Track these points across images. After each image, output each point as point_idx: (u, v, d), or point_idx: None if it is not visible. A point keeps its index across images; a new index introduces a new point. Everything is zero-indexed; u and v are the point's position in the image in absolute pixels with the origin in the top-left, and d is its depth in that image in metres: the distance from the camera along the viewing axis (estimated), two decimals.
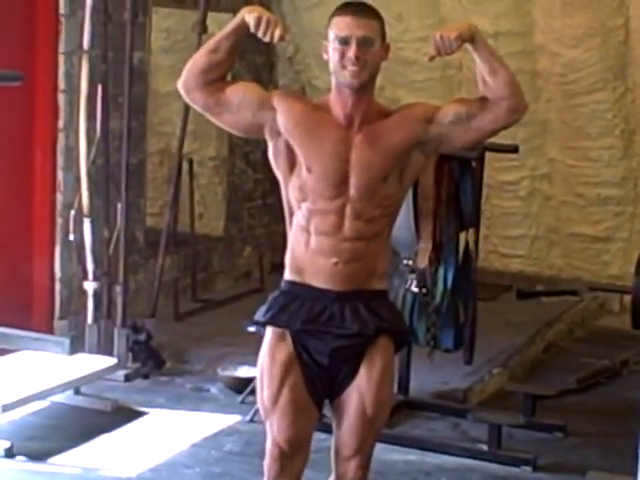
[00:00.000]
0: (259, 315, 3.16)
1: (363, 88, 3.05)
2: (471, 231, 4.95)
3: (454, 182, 4.86)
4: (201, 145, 7.28)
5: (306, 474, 4.22)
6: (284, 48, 7.60)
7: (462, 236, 4.96)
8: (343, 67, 3.03)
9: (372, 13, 3.07)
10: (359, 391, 3.11)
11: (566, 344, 6.64)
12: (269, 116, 3.08)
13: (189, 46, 6.27)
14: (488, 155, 5.03)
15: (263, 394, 3.13)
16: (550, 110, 7.11)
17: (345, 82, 3.04)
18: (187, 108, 6.10)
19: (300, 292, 3.11)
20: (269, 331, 3.14)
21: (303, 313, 3.09)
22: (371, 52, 3.03)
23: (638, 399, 5.36)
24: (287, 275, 3.15)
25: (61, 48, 5.64)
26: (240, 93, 3.12)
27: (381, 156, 3.07)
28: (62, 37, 5.62)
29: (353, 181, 3.05)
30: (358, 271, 3.08)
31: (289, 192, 3.10)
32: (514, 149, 5.27)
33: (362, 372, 3.11)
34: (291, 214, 3.12)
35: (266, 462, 3.17)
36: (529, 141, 7.10)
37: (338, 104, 3.07)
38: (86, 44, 5.54)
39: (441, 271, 4.83)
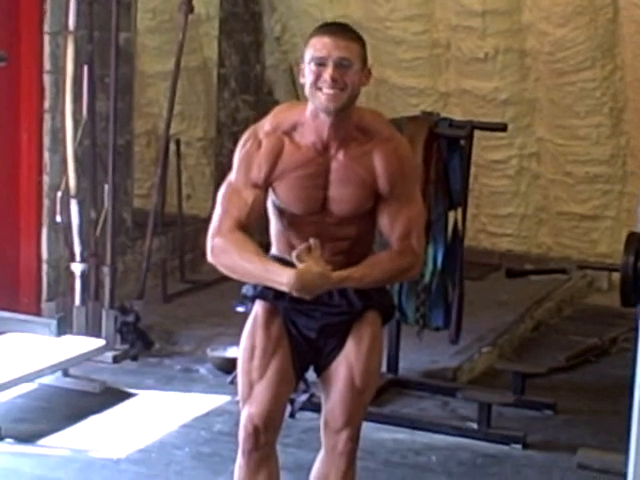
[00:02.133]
0: (248, 290, 3.15)
1: (340, 113, 2.93)
2: (460, 210, 4.94)
3: (443, 161, 4.85)
4: (188, 126, 7.26)
5: (296, 454, 4.25)
6: (272, 28, 7.56)
7: (451, 215, 4.96)
8: (318, 89, 2.90)
9: (353, 35, 2.95)
10: (348, 363, 3.13)
11: (555, 322, 6.65)
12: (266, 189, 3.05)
13: (175, 26, 6.25)
14: (477, 134, 5.00)
15: (251, 365, 3.12)
16: (538, 89, 7.10)
17: (320, 106, 2.92)
18: (174, 88, 6.08)
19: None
20: (259, 305, 3.14)
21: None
22: (349, 75, 2.89)
23: (627, 376, 5.36)
24: (274, 250, 3.16)
25: (46, 28, 5.58)
26: (249, 205, 3.01)
27: (356, 185, 3.02)
28: (47, 17, 5.57)
29: (331, 205, 3.04)
30: (344, 261, 3.06)
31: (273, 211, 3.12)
32: (503, 127, 5.25)
33: (350, 344, 3.13)
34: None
35: (240, 436, 3.18)
36: (517, 120, 7.09)
37: (313, 131, 2.97)
38: (72, 24, 5.50)
39: (430, 250, 4.83)
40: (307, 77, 2.93)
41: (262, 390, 3.12)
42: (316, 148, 3.00)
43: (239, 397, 3.21)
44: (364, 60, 2.96)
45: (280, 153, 3.00)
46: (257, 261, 2.94)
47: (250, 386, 3.14)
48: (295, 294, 2.91)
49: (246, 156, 3.03)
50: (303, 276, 2.88)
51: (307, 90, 2.94)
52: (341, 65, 2.89)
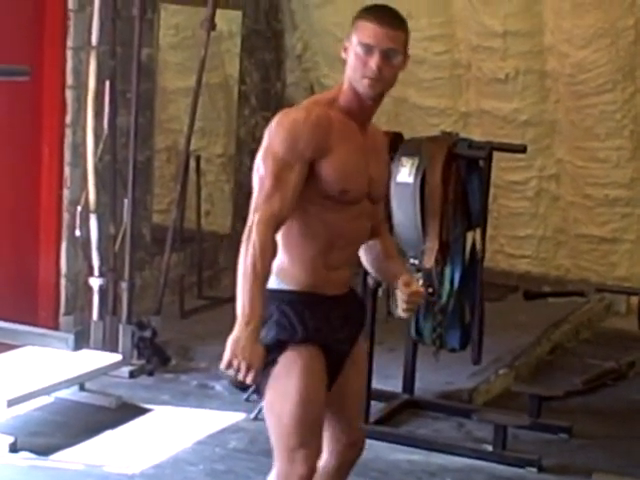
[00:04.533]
0: (283, 335, 2.94)
1: (378, 98, 2.97)
2: (478, 231, 4.94)
3: (461, 181, 4.85)
4: (209, 142, 7.28)
5: None
6: (293, 46, 7.59)
7: (469, 236, 4.95)
8: (362, 76, 2.91)
9: (400, 23, 2.95)
10: (358, 374, 3.18)
11: (572, 345, 6.62)
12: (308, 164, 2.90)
13: (197, 43, 6.27)
14: (496, 155, 5.00)
15: (306, 416, 2.94)
16: (559, 111, 7.09)
17: (360, 90, 2.93)
18: (195, 105, 6.11)
19: (310, 300, 2.98)
20: (299, 350, 2.95)
21: (322, 322, 2.98)
22: (393, 64, 2.92)
23: None
24: (289, 285, 2.97)
25: (69, 43, 5.63)
26: (291, 193, 2.86)
27: (384, 164, 3.14)
28: (70, 32, 5.62)
29: (372, 186, 3.03)
30: (350, 275, 3.11)
31: (309, 210, 2.94)
32: (522, 149, 5.24)
33: (356, 356, 3.13)
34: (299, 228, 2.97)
35: None
36: (537, 141, 7.08)
37: (356, 110, 2.96)
38: (94, 40, 5.54)
39: (447, 271, 4.82)
40: (351, 59, 2.93)
41: (316, 438, 3.01)
42: (355, 125, 2.98)
43: (280, 449, 2.99)
44: (406, 47, 2.98)
45: (330, 124, 2.92)
46: (254, 288, 2.79)
47: (304, 435, 2.96)
48: (226, 358, 2.80)
49: (293, 125, 2.88)
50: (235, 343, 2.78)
51: (349, 72, 2.94)
52: (387, 56, 2.90)
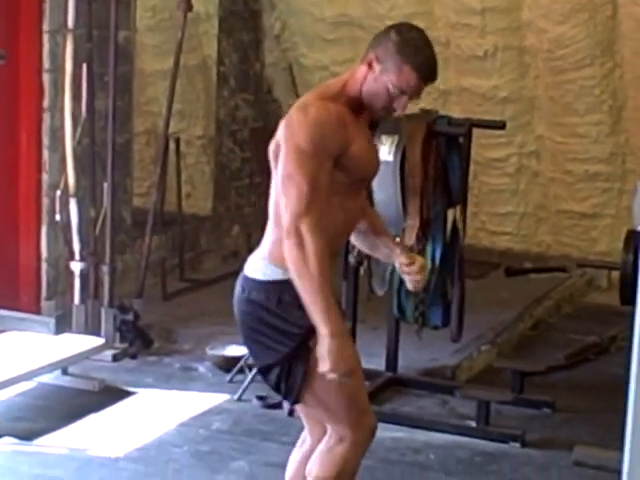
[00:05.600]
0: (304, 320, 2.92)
1: None
2: (459, 208, 4.94)
3: (441, 159, 4.85)
4: (188, 124, 7.25)
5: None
6: (271, 26, 7.55)
7: (450, 213, 4.96)
8: (383, 107, 2.97)
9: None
10: None
11: (554, 321, 6.65)
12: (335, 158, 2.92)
13: (175, 25, 6.25)
14: (476, 132, 5.01)
15: (361, 380, 3.10)
16: (538, 87, 7.09)
17: (372, 109, 2.98)
18: (173, 87, 6.09)
19: None
20: None
21: None
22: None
23: (626, 375, 5.34)
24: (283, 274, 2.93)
25: (45, 27, 5.58)
26: (323, 182, 2.86)
27: (374, 146, 3.22)
28: (46, 15, 5.57)
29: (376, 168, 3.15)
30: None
31: (331, 200, 2.93)
32: (502, 125, 5.25)
33: None
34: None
35: (362, 445, 3.13)
36: (517, 118, 7.08)
37: (357, 108, 2.99)
38: (71, 23, 5.50)
39: (429, 248, 4.83)
40: (378, 86, 2.94)
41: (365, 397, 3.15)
42: (355, 113, 2.99)
43: (346, 422, 3.07)
44: None
45: (344, 118, 2.93)
46: (329, 296, 2.82)
47: (360, 402, 3.10)
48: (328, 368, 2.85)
49: (318, 123, 2.87)
50: (344, 352, 2.85)
51: (369, 89, 2.95)
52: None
